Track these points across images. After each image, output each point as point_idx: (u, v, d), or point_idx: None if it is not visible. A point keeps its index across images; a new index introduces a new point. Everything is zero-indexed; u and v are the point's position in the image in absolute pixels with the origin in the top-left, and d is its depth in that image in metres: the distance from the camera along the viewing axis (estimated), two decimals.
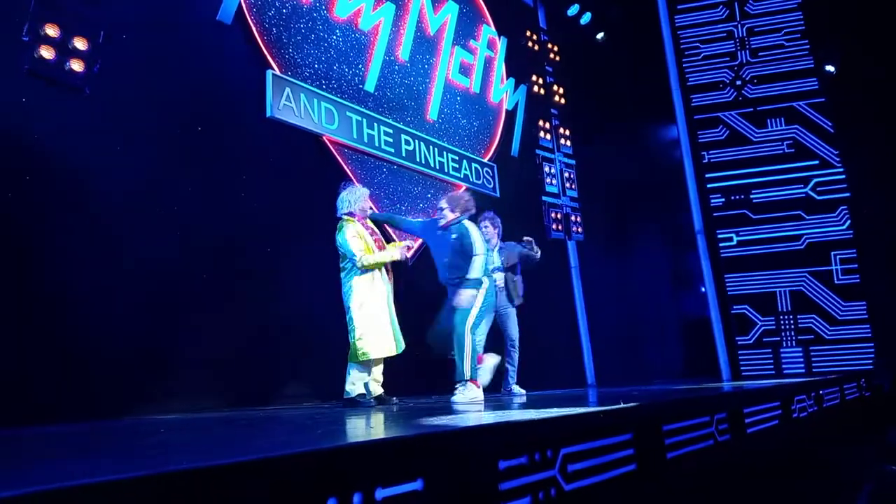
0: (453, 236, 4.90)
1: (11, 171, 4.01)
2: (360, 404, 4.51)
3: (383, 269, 4.74)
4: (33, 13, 4.10)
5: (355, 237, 4.61)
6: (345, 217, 4.77)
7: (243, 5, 5.54)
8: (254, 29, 5.65)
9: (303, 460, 1.41)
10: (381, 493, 1.49)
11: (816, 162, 9.19)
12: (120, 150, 4.50)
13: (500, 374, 5.59)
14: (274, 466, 1.34)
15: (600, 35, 10.37)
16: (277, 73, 5.72)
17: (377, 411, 3.80)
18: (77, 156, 4.24)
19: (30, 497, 1.00)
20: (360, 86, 6.70)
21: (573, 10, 10.13)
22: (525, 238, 5.95)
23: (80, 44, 4.29)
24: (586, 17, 10.22)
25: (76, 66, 4.28)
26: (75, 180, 4.24)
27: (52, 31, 4.16)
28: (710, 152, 9.59)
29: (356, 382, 4.59)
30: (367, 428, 2.44)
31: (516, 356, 5.95)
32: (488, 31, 8.87)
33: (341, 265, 4.71)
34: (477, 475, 1.81)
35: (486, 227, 5.83)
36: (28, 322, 3.94)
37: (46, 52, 4.14)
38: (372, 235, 4.78)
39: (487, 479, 1.83)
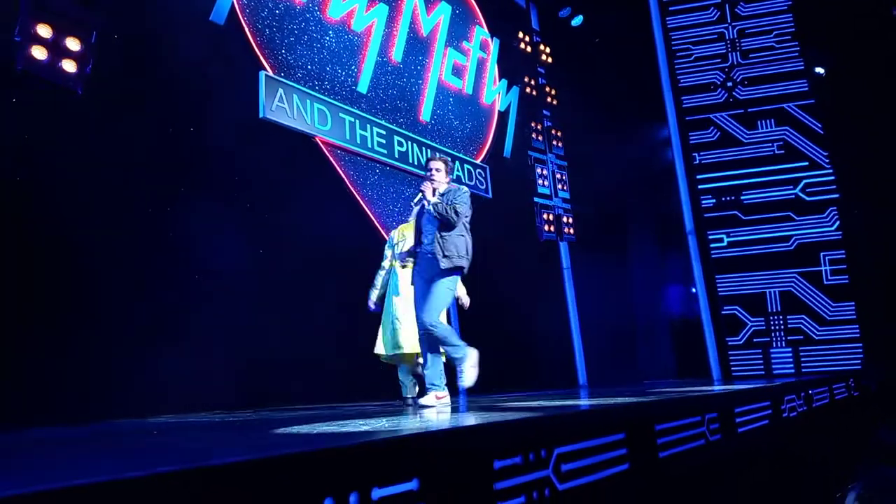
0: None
1: (3, 171, 4.00)
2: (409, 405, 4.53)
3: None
4: (25, 13, 4.08)
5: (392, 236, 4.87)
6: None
7: (236, 6, 5.54)
8: (247, 30, 5.64)
9: (299, 460, 1.42)
10: (377, 493, 1.50)
11: (806, 163, 9.26)
12: (112, 151, 4.49)
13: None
14: (271, 466, 1.35)
15: (597, 40, 10.45)
16: (270, 74, 5.72)
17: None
18: (69, 156, 4.23)
19: (31, 497, 1.01)
20: (353, 87, 6.71)
21: (565, 12, 10.18)
22: None
23: (72, 44, 4.28)
24: (578, 20, 10.27)
25: (69, 66, 4.27)
26: (67, 181, 4.23)
27: (44, 31, 4.15)
28: (701, 153, 9.65)
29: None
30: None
31: None
32: (481, 32, 8.89)
33: None
34: (472, 475, 1.82)
35: None
36: (16, 323, 3.93)
37: (39, 53, 4.13)
38: None
39: (482, 479, 1.84)
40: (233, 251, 5.17)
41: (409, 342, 4.53)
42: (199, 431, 2.77)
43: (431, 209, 4.17)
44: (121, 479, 1.15)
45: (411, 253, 4.36)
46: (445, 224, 4.14)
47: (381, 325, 4.71)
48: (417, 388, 4.70)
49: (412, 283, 4.30)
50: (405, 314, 4.59)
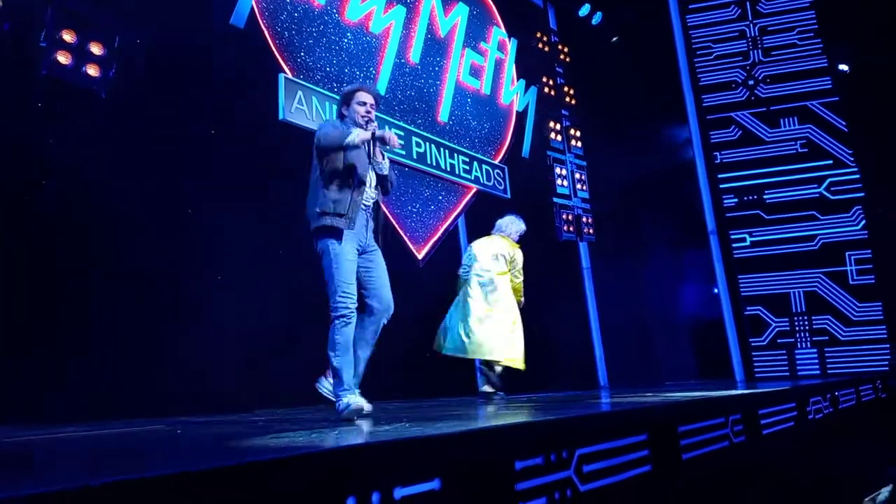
0: None
1: (28, 175, 4.07)
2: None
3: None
4: (50, 19, 4.15)
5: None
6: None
7: (256, 9, 5.58)
8: (266, 33, 5.68)
9: (322, 459, 1.42)
10: (399, 493, 1.50)
11: (830, 162, 9.11)
12: (135, 154, 4.54)
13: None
14: (294, 465, 1.35)
15: (615, 39, 10.39)
16: (290, 76, 5.76)
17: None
18: (92, 159, 4.29)
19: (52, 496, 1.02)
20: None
21: (584, 11, 10.12)
22: None
23: (96, 49, 4.35)
24: (597, 17, 10.20)
25: (92, 70, 4.33)
26: (91, 184, 4.29)
27: (68, 36, 4.22)
28: (723, 152, 9.53)
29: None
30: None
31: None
32: (498, 32, 8.87)
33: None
34: (493, 475, 1.82)
35: None
36: (38, 324, 3.99)
37: (63, 58, 4.19)
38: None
39: (504, 480, 1.84)
40: (251, 252, 5.21)
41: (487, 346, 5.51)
42: (220, 431, 2.79)
43: (385, 166, 3.55)
44: (143, 478, 1.15)
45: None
46: (384, 190, 3.71)
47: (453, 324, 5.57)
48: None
49: (341, 248, 3.51)
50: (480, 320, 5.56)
